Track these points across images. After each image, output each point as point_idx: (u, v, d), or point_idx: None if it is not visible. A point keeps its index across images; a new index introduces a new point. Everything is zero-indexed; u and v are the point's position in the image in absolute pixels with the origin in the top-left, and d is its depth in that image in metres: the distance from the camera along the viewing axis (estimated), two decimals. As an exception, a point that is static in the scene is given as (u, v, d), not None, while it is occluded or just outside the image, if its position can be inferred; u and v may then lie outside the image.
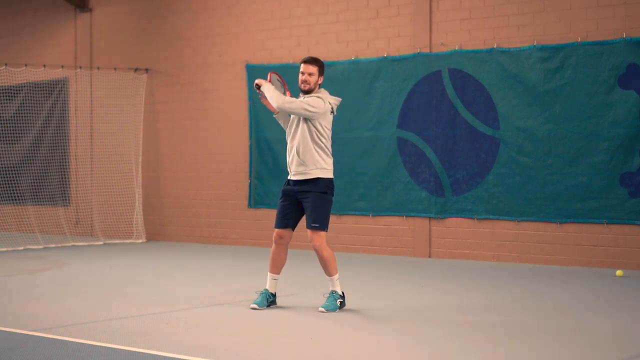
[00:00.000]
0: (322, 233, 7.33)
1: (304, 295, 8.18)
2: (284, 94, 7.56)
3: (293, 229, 7.55)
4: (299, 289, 8.72)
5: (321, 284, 8.35)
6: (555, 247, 10.77)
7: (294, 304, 7.72)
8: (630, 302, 8.03)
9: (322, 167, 7.34)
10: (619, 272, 9.75)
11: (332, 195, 7.45)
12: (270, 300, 7.50)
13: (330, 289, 7.38)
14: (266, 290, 7.51)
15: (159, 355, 5.60)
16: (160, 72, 14.51)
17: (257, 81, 7.43)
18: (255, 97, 13.23)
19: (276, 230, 7.53)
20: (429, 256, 11.67)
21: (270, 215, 13.16)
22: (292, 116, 7.42)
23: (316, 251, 7.34)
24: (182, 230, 14.28)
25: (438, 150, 11.58)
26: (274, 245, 7.53)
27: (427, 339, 6.23)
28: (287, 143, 7.50)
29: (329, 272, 7.35)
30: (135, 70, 14.57)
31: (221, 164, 13.77)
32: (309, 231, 7.35)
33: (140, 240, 14.27)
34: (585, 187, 10.56)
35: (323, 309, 7.26)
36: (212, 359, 5.53)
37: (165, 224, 14.49)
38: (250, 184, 13.37)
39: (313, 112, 7.21)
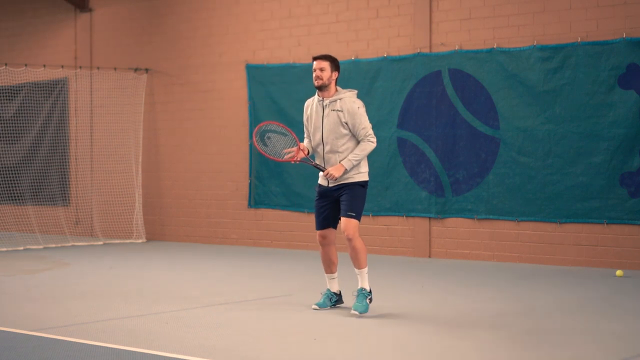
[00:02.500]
0: (356, 222, 7.14)
1: (304, 295, 8.17)
2: (286, 133, 7.40)
3: (335, 227, 7.37)
4: (299, 289, 8.72)
5: (322, 284, 8.34)
6: (555, 247, 10.77)
7: (294, 304, 7.71)
8: (631, 302, 8.03)
9: (363, 171, 7.26)
10: (619, 272, 9.75)
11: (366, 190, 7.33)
12: (334, 300, 7.40)
13: (359, 285, 7.20)
14: (328, 290, 7.42)
15: (159, 355, 5.60)
16: (160, 72, 14.51)
17: (334, 175, 7.09)
18: (255, 97, 13.24)
19: (318, 232, 7.37)
20: (429, 256, 11.67)
21: (270, 215, 13.16)
22: (324, 123, 7.20)
23: (349, 240, 7.12)
24: (182, 230, 14.28)
25: (438, 150, 11.58)
26: (320, 248, 7.40)
27: (427, 339, 6.23)
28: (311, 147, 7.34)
29: (359, 263, 7.15)
30: (135, 70, 14.57)
31: (221, 164, 13.76)
32: (343, 219, 7.16)
33: (140, 240, 14.27)
34: (585, 187, 10.56)
35: (356, 312, 7.05)
36: (212, 359, 5.53)
37: (165, 224, 14.49)
38: (250, 184, 13.37)
39: (370, 125, 7.21)
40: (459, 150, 11.42)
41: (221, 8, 13.78)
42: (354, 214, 7.13)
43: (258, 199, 13.28)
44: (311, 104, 7.39)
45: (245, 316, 7.14)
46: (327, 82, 7.22)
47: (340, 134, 7.17)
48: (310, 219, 12.61)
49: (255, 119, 13.19)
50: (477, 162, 11.29)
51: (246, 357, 5.60)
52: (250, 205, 13.37)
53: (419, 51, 11.72)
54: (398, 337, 6.30)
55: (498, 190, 11.14)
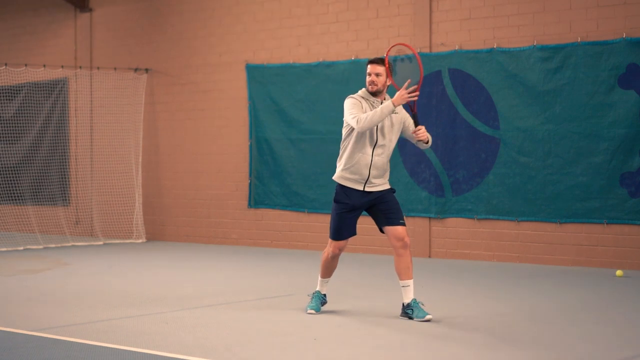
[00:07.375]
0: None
1: (305, 295, 8.16)
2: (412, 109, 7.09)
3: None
4: (299, 288, 8.72)
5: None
6: (555, 247, 10.77)
7: (295, 304, 7.71)
8: (630, 302, 8.03)
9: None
10: (619, 272, 9.75)
11: None
12: (324, 302, 7.36)
13: (411, 297, 6.94)
14: (318, 292, 7.33)
15: (159, 355, 5.60)
16: (160, 72, 14.51)
17: (426, 136, 6.86)
18: (255, 97, 13.23)
19: (336, 242, 7.09)
20: (429, 256, 11.67)
21: (270, 215, 13.16)
22: (379, 126, 6.92)
23: (405, 248, 6.88)
24: (182, 230, 14.28)
25: (438, 150, 11.58)
26: (329, 256, 7.13)
27: (427, 340, 6.24)
28: (353, 149, 6.97)
29: (411, 272, 6.92)
30: (135, 70, 14.57)
31: (221, 164, 13.77)
32: (399, 228, 6.89)
33: (140, 240, 14.27)
34: (585, 187, 10.56)
35: (429, 316, 6.88)
36: (212, 359, 5.53)
37: (165, 224, 14.49)
38: (250, 184, 13.37)
39: None
40: (459, 150, 11.42)
41: (221, 8, 13.78)
42: (404, 222, 6.98)
43: (258, 199, 13.28)
44: (362, 101, 7.05)
45: (245, 316, 7.14)
46: (382, 88, 7.03)
47: (396, 139, 7.05)
48: (310, 219, 12.62)
49: (255, 119, 13.20)
50: (477, 162, 11.30)
51: (246, 357, 5.60)
52: (250, 205, 13.37)
53: (419, 51, 11.72)
54: (397, 338, 6.30)
55: (498, 190, 11.15)
